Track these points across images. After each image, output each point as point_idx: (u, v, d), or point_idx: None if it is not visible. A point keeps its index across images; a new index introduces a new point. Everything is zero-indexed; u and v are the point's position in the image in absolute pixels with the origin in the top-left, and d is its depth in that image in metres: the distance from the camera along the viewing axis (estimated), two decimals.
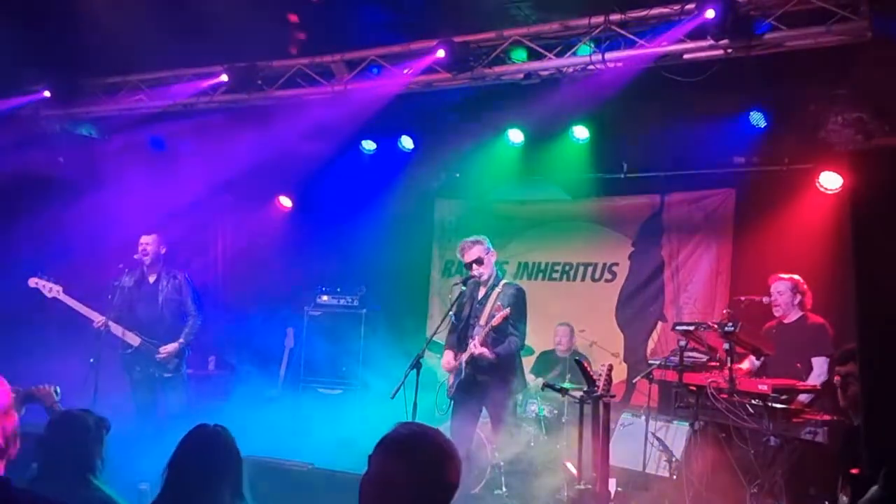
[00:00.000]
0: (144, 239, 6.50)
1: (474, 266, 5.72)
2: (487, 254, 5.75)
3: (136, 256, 6.49)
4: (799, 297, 5.78)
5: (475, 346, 5.51)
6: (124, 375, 6.53)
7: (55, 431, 3.34)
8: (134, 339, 6.38)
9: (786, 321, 5.81)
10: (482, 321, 5.67)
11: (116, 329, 6.33)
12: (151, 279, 6.59)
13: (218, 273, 8.50)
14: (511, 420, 5.86)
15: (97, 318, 6.27)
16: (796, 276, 5.83)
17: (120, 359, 6.49)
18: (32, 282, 6.32)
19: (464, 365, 5.68)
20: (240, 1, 5.69)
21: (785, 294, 5.75)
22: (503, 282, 5.81)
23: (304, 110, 6.77)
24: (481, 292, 5.82)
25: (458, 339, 5.83)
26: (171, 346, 6.43)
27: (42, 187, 7.24)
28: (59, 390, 3.85)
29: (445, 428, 6.59)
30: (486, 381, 5.65)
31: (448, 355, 5.86)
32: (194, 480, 2.80)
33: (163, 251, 6.59)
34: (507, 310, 5.47)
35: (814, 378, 5.47)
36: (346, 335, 8.08)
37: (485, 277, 5.77)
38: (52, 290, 6.30)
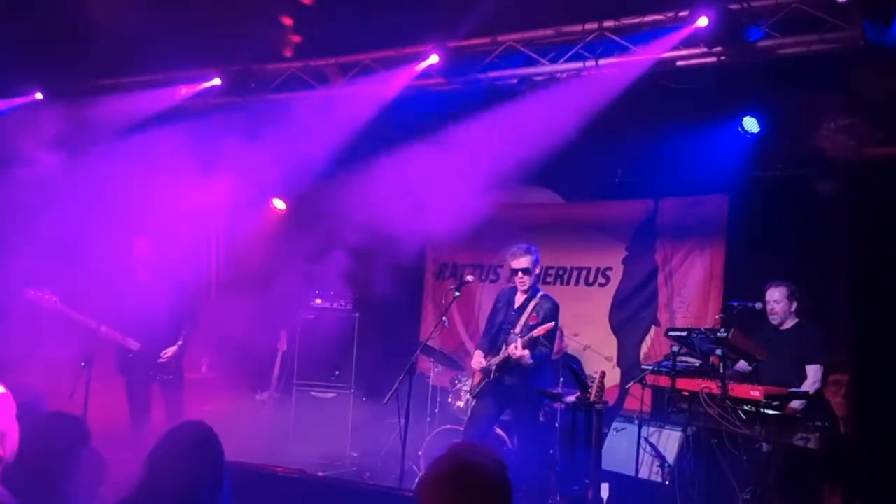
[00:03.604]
0: (144, 241, 6.50)
1: (520, 273, 5.87)
2: (535, 265, 5.92)
3: (138, 254, 6.48)
4: (795, 304, 5.77)
5: (517, 348, 5.61)
6: (120, 377, 6.47)
7: (30, 432, 3.27)
8: (133, 344, 6.34)
9: (781, 327, 5.82)
10: (517, 329, 5.82)
11: (116, 335, 6.29)
12: (147, 283, 6.55)
13: (211, 275, 8.47)
14: (537, 426, 6.02)
15: (101, 329, 6.21)
16: (790, 282, 5.83)
17: (116, 362, 6.44)
18: (29, 293, 6.22)
19: (494, 368, 5.81)
20: (234, 3, 5.69)
21: (782, 303, 5.74)
22: (540, 293, 5.96)
23: (298, 113, 6.77)
24: (518, 300, 5.97)
25: (490, 343, 5.99)
26: (171, 350, 6.41)
27: (32, 189, 7.20)
28: None
29: (447, 430, 6.65)
30: (513, 385, 5.79)
31: (478, 355, 6.00)
32: (172, 476, 2.76)
33: (156, 254, 6.55)
34: (552, 324, 5.68)
35: (807, 385, 5.47)
36: (340, 339, 8.06)
37: (525, 287, 5.91)
38: (48, 300, 6.21)
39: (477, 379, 6.02)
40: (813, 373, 5.51)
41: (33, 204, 7.05)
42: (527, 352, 5.64)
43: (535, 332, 5.65)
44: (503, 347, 5.82)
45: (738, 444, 5.21)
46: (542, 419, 6.69)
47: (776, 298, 5.76)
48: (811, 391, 5.41)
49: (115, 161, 7.34)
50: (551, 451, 6.46)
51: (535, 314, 5.80)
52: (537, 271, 6.03)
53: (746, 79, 5.67)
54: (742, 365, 5.83)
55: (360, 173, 8.24)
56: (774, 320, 5.79)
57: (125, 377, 6.45)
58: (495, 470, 2.03)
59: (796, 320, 5.77)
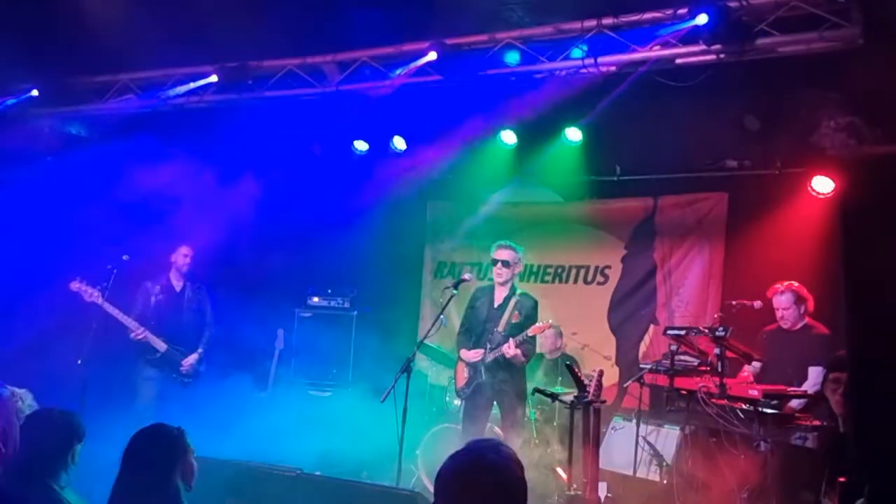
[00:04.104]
0: (185, 250, 6.85)
1: (499, 265, 6.06)
2: (515, 262, 6.10)
3: (182, 262, 6.82)
4: (803, 308, 5.74)
5: (510, 348, 5.79)
6: (138, 371, 6.68)
7: (25, 428, 3.30)
8: (160, 346, 6.58)
9: (790, 329, 5.79)
10: (500, 327, 5.98)
11: (147, 335, 6.52)
12: (178, 288, 6.86)
13: (208, 274, 8.45)
14: (524, 423, 6.10)
15: (136, 328, 6.45)
16: (795, 284, 5.78)
17: (138, 359, 6.64)
18: (74, 285, 6.37)
19: (483, 367, 5.95)
20: (231, 0, 5.66)
21: (790, 309, 5.72)
22: (519, 291, 6.13)
23: (295, 110, 6.75)
24: (498, 298, 6.11)
25: (474, 341, 6.13)
26: (193, 357, 6.74)
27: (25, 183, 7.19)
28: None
29: (444, 428, 6.65)
30: (501, 383, 5.95)
31: (467, 351, 6.15)
32: (143, 474, 2.82)
33: (190, 262, 6.92)
34: (549, 322, 5.91)
35: (806, 386, 5.45)
36: (337, 337, 8.05)
37: (501, 280, 6.08)
38: (91, 294, 6.36)
39: (463, 379, 6.10)
40: (814, 374, 5.47)
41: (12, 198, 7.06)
42: (519, 351, 5.80)
43: (529, 332, 5.80)
44: (487, 346, 5.97)
45: (736, 443, 5.20)
46: (539, 416, 6.69)
47: (784, 306, 5.73)
48: (810, 392, 5.38)
49: (111, 159, 7.33)
50: (549, 450, 6.44)
51: (516, 312, 5.97)
52: (517, 270, 6.17)
53: (746, 77, 5.65)
54: (753, 367, 5.75)
55: (358, 171, 8.26)
56: (785, 325, 5.77)
57: (140, 374, 6.65)
58: (514, 468, 2.03)
59: (804, 321, 5.75)
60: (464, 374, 6.13)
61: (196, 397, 6.87)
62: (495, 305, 6.11)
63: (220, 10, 5.58)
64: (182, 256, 6.82)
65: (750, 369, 5.84)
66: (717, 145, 6.96)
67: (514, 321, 5.95)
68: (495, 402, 6.07)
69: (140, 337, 6.47)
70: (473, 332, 6.18)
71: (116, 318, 6.41)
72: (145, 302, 6.66)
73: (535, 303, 6.09)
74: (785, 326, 5.79)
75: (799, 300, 5.73)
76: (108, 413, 6.05)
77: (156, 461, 2.86)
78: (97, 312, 6.37)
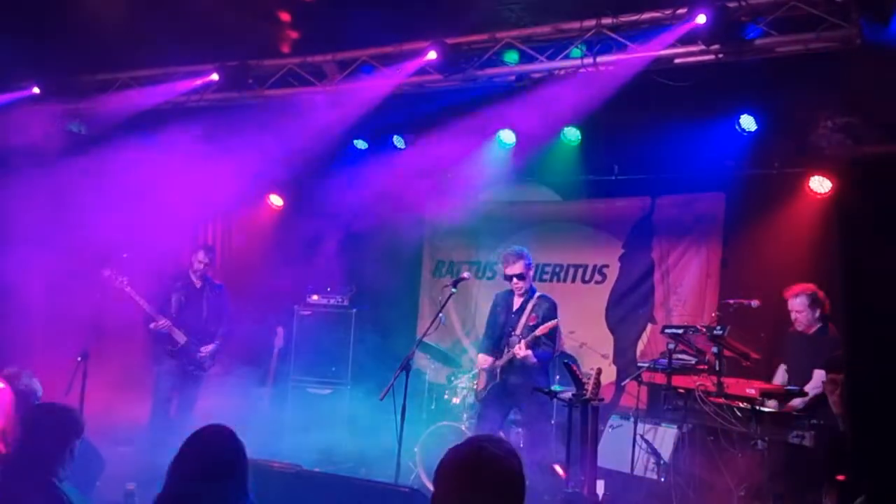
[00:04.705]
0: (201, 255, 7.04)
1: (514, 280, 6.07)
2: (528, 269, 6.10)
3: (197, 266, 7.00)
4: (818, 311, 5.66)
5: (520, 349, 5.80)
6: (157, 362, 6.86)
7: (25, 424, 3.32)
8: (181, 338, 6.79)
9: (805, 331, 5.76)
10: (518, 331, 6.01)
11: (168, 326, 6.72)
12: (198, 285, 7.07)
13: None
14: (547, 424, 6.15)
15: (158, 318, 6.66)
16: (812, 286, 5.71)
17: (156, 351, 6.85)
18: (106, 272, 6.55)
19: (499, 371, 6.00)
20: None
21: (804, 312, 5.66)
22: (537, 294, 6.14)
23: (296, 109, 6.77)
24: (517, 303, 6.16)
25: (493, 346, 6.20)
26: (211, 347, 6.94)
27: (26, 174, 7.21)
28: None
29: (443, 426, 6.67)
30: (517, 384, 5.96)
31: (482, 357, 6.24)
32: (198, 478, 2.81)
33: (211, 263, 7.16)
34: (556, 320, 5.88)
35: (810, 387, 5.42)
36: (336, 335, 8.07)
37: (521, 291, 6.11)
38: (121, 281, 6.55)
39: (482, 382, 6.18)
40: (818, 376, 5.46)
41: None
42: (530, 352, 5.80)
43: (538, 331, 5.80)
44: (506, 350, 5.99)
45: (733, 442, 5.23)
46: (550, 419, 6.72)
47: (798, 309, 5.68)
48: (810, 392, 5.37)
49: (111, 156, 7.33)
50: (547, 448, 6.47)
51: (534, 315, 5.99)
52: (531, 273, 6.19)
53: (744, 77, 5.67)
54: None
55: (357, 170, 8.27)
56: (799, 327, 5.72)
57: (157, 368, 6.83)
58: (513, 462, 2.07)
59: (819, 325, 5.69)
60: (483, 377, 6.20)
61: (197, 394, 6.89)
62: (514, 310, 6.15)
63: (221, 9, 5.59)
64: (198, 262, 7.04)
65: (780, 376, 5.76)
66: (715, 144, 6.98)
67: (531, 324, 5.97)
68: (514, 407, 6.13)
69: (162, 326, 6.65)
70: (493, 337, 6.24)
71: (140, 307, 6.62)
72: (166, 295, 6.85)
73: (552, 303, 6.09)
74: (799, 329, 5.76)
75: (814, 303, 5.63)
76: (108, 412, 6.09)
77: (233, 464, 2.87)
78: (97, 309, 6.41)
